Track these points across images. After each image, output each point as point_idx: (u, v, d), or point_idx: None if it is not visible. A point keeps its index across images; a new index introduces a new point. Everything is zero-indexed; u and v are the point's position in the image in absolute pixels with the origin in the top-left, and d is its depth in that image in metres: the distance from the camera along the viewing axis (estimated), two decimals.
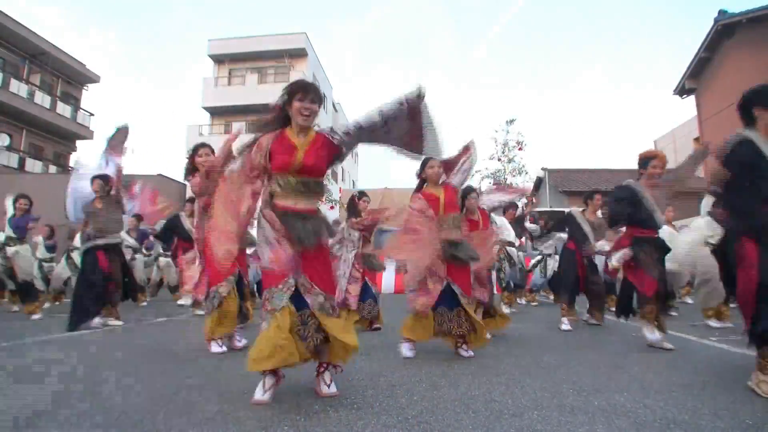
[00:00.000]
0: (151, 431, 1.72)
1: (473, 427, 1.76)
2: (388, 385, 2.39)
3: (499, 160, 11.57)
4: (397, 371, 2.73)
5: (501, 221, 3.50)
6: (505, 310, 4.95)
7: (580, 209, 4.95)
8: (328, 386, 2.19)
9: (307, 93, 2.15)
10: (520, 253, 5.63)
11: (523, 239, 5.66)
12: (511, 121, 11.59)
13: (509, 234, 3.45)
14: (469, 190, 3.80)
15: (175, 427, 1.75)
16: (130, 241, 7.08)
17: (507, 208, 5.73)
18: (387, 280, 5.48)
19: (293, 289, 2.09)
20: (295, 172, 2.13)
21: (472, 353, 3.20)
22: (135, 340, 3.96)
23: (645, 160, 3.52)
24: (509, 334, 4.48)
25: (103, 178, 4.84)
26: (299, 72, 19.13)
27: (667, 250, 3.60)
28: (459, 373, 2.71)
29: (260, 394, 2.07)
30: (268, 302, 2.09)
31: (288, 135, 2.19)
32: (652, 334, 3.39)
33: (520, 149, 11.40)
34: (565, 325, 3.74)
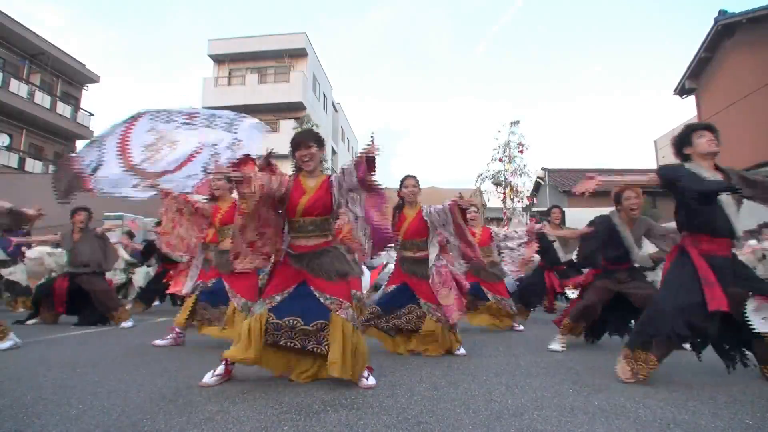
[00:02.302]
0: (151, 431, 1.72)
1: (473, 427, 1.76)
2: (388, 385, 2.39)
3: (500, 160, 11.53)
4: (397, 371, 2.73)
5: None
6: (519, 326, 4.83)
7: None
8: (366, 379, 2.37)
9: (300, 145, 2.52)
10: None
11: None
12: (516, 123, 11.58)
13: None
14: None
15: (175, 427, 1.75)
16: (127, 257, 7.16)
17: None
18: (365, 281, 5.35)
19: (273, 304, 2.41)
20: (303, 212, 2.46)
21: (465, 352, 3.27)
22: (135, 340, 3.95)
23: (617, 194, 3.38)
24: (509, 335, 4.48)
25: (86, 210, 5.08)
26: (299, 72, 19.11)
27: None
28: (459, 373, 2.71)
29: (208, 378, 2.35)
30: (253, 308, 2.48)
31: (301, 180, 2.55)
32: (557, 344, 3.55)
33: (521, 152, 11.37)
34: (556, 345, 3.49)
